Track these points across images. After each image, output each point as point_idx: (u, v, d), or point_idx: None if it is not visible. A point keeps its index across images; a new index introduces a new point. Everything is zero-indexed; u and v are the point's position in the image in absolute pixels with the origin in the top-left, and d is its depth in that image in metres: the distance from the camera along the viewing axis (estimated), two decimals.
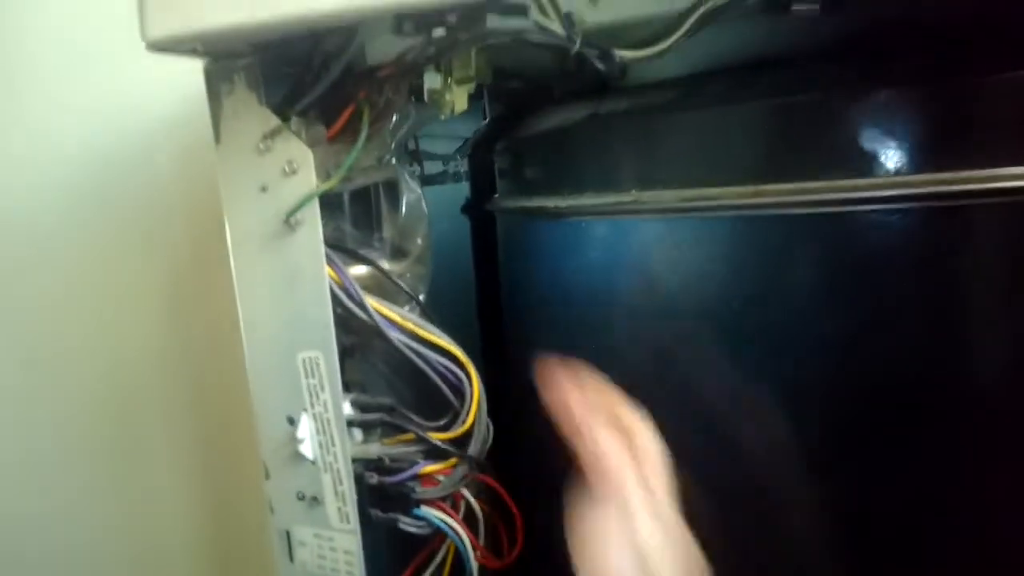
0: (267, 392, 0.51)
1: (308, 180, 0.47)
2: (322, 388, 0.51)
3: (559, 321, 0.56)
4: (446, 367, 0.55)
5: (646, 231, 0.45)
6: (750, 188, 0.40)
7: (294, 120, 0.48)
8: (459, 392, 0.57)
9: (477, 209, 0.72)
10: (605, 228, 0.48)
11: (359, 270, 0.53)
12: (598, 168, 0.48)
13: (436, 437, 0.56)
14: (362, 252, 0.52)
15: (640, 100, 0.47)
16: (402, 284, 0.53)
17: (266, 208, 0.48)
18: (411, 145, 0.67)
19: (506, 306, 0.63)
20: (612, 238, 0.47)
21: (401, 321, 0.53)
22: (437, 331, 0.55)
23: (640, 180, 0.45)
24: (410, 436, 0.57)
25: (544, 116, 0.54)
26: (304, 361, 0.50)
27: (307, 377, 0.51)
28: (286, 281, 0.49)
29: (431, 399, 0.58)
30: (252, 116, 0.47)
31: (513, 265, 0.62)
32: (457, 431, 0.56)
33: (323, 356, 0.50)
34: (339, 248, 0.52)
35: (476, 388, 0.57)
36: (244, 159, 0.48)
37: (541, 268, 0.56)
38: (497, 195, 0.64)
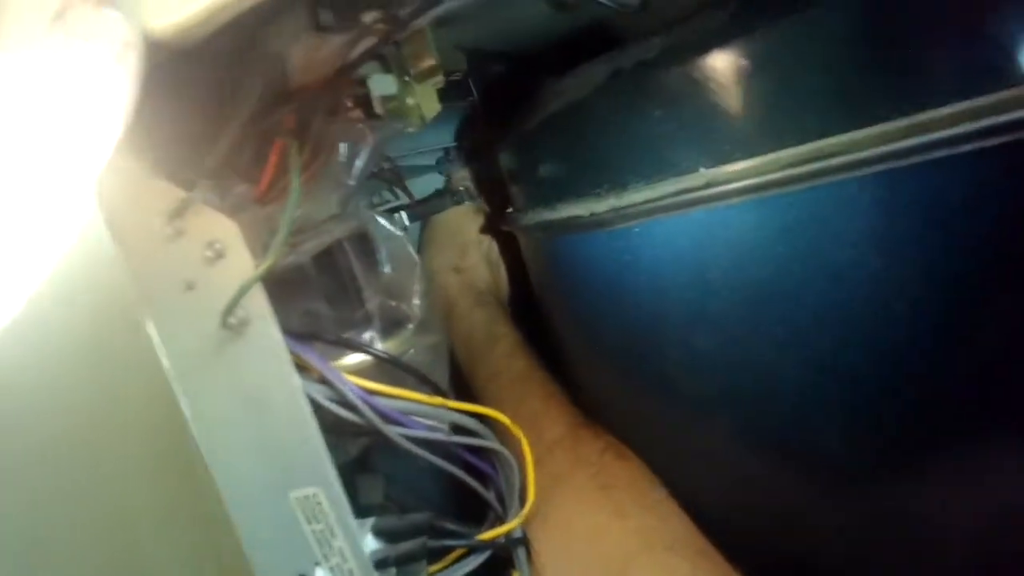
0: (263, 550, 0.38)
1: (240, 262, 0.34)
2: (332, 533, 0.37)
3: (617, 360, 0.41)
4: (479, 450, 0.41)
5: (737, 221, 0.30)
6: (888, 127, 0.24)
7: (202, 185, 0.34)
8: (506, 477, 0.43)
9: (491, 229, 0.57)
10: (670, 230, 0.32)
11: (350, 360, 0.39)
12: (641, 147, 0.32)
13: (492, 536, 0.42)
14: (346, 336, 0.38)
15: (678, 38, 0.31)
16: (409, 364, 0.39)
17: (199, 311, 0.35)
18: (386, 167, 0.52)
19: (553, 349, 0.48)
20: (683, 241, 0.32)
21: (428, 400, 0.39)
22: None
23: (708, 152, 0.30)
24: (460, 552, 0.43)
25: (546, 93, 0.39)
26: (299, 502, 0.37)
27: (309, 523, 0.37)
28: (248, 403, 0.36)
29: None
30: (147, 193, 0.34)
31: (548, 294, 0.48)
32: (520, 516, 0.41)
33: (323, 491, 0.37)
34: (314, 338, 0.38)
35: (529, 456, 0.43)
36: (152, 253, 0.35)
37: (586, 298, 0.41)
38: (511, 209, 0.49)
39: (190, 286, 0.35)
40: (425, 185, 0.59)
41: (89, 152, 0.27)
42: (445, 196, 0.54)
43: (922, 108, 0.26)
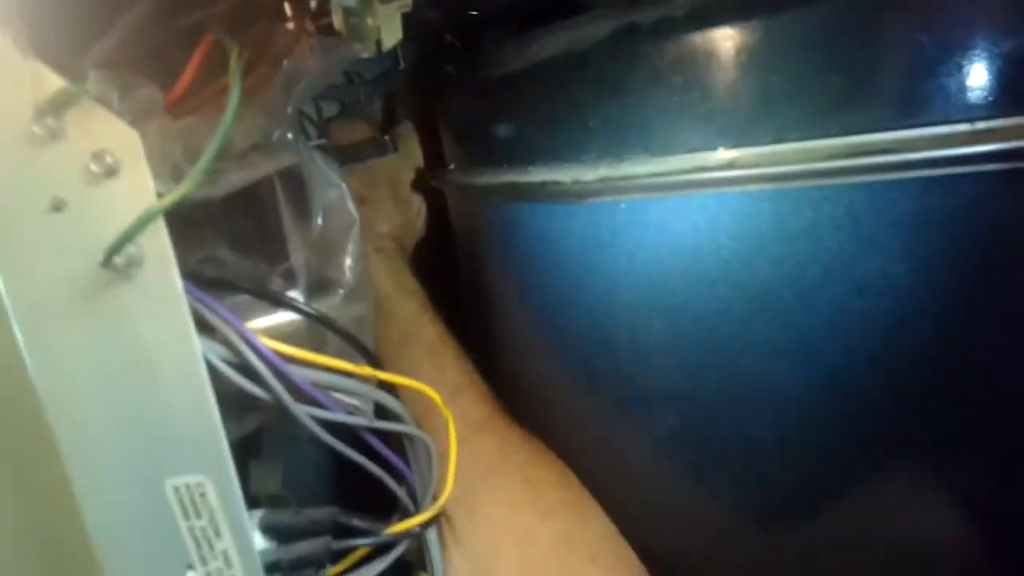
0: (119, 549, 0.30)
1: (138, 184, 0.26)
2: (216, 532, 0.30)
3: (569, 348, 0.38)
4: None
5: (752, 210, 0.27)
6: (945, 130, 0.22)
7: (94, 76, 0.26)
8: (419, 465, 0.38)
9: (421, 185, 0.51)
10: (666, 211, 0.29)
11: (264, 322, 0.32)
12: (651, 116, 0.28)
13: (402, 530, 0.37)
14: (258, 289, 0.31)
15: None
16: (342, 328, 0.32)
17: (68, 241, 0.27)
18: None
19: (472, 323, 0.44)
20: (680, 226, 0.28)
21: (356, 370, 0.33)
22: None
23: (733, 131, 0.26)
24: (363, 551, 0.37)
25: (519, 43, 0.34)
26: (178, 492, 0.30)
27: (187, 518, 0.30)
28: (126, 365, 0.28)
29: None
30: (13, 76, 0.25)
31: (488, 266, 0.43)
32: (435, 507, 0.36)
33: (211, 481, 0.30)
34: (225, 288, 0.31)
35: (453, 442, 0.39)
36: (10, 157, 0.26)
37: (544, 275, 0.37)
38: (453, 166, 0.44)
39: (58, 206, 0.27)
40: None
41: None
42: (370, 144, 0.47)
43: (971, 120, 0.24)
